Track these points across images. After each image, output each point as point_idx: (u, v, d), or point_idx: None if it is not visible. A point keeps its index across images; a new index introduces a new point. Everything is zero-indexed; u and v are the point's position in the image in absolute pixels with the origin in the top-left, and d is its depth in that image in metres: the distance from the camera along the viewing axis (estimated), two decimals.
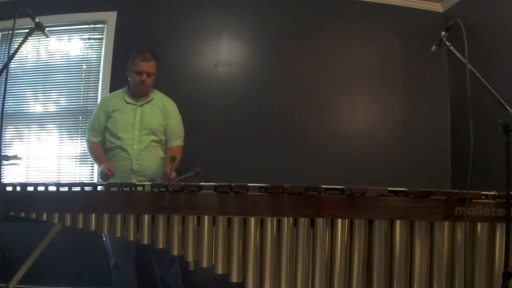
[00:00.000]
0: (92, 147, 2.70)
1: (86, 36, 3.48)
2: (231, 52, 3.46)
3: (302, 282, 1.68)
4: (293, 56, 3.47)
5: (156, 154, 2.68)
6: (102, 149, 2.68)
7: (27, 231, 2.60)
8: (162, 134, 2.72)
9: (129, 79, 2.68)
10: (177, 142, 2.76)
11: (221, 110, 3.13)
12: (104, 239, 2.64)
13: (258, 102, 3.39)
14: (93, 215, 1.79)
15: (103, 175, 2.52)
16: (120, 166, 2.60)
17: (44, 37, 1.97)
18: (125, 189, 1.80)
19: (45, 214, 1.81)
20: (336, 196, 1.71)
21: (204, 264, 1.72)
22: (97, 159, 2.66)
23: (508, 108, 1.65)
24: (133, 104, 2.68)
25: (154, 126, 2.67)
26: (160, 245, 1.75)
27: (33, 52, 3.50)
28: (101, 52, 3.42)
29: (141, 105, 2.69)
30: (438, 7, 3.58)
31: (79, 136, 3.39)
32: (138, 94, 2.69)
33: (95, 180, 3.25)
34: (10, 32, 2.36)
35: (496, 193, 1.70)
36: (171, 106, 2.79)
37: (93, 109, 3.34)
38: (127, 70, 2.67)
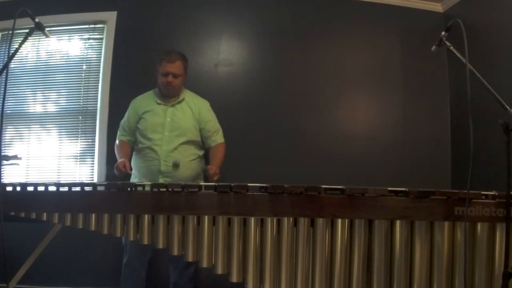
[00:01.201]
0: (118, 144, 2.76)
1: (86, 36, 3.48)
2: (231, 52, 3.46)
3: (302, 282, 1.68)
4: (293, 56, 3.46)
5: (185, 155, 2.65)
6: (126, 147, 2.73)
7: (27, 231, 2.60)
8: (195, 136, 2.71)
9: (158, 80, 2.69)
10: (218, 139, 2.79)
11: (221, 110, 3.12)
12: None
13: (258, 102, 3.39)
14: (93, 215, 1.80)
15: (117, 170, 2.52)
16: (149, 166, 2.62)
17: (44, 37, 1.97)
18: (125, 189, 1.80)
19: (45, 214, 1.81)
20: (336, 196, 1.72)
21: (204, 264, 1.72)
22: (118, 154, 2.70)
23: (508, 108, 1.65)
24: (164, 105, 2.69)
25: (185, 127, 2.67)
26: (160, 245, 1.75)
27: (33, 52, 3.49)
28: (101, 52, 3.41)
29: (172, 105, 2.70)
30: (438, 7, 3.57)
31: (79, 136, 3.39)
32: (167, 95, 2.70)
33: (95, 180, 3.25)
34: (10, 32, 2.36)
35: (496, 193, 1.70)
36: (204, 107, 2.80)
37: (93, 109, 3.37)
38: (156, 71, 2.68)
